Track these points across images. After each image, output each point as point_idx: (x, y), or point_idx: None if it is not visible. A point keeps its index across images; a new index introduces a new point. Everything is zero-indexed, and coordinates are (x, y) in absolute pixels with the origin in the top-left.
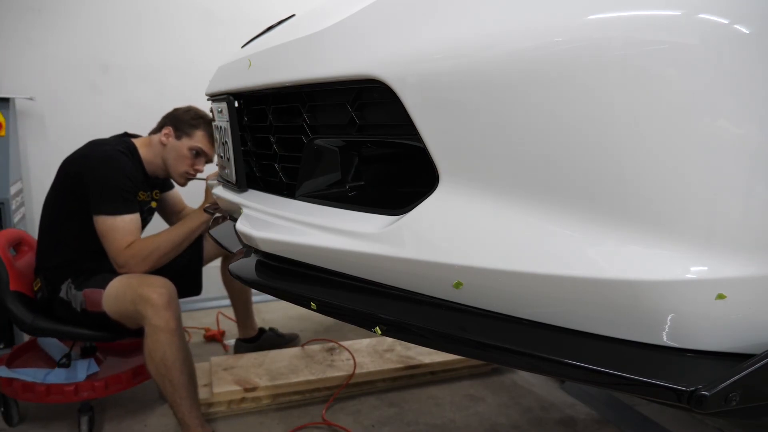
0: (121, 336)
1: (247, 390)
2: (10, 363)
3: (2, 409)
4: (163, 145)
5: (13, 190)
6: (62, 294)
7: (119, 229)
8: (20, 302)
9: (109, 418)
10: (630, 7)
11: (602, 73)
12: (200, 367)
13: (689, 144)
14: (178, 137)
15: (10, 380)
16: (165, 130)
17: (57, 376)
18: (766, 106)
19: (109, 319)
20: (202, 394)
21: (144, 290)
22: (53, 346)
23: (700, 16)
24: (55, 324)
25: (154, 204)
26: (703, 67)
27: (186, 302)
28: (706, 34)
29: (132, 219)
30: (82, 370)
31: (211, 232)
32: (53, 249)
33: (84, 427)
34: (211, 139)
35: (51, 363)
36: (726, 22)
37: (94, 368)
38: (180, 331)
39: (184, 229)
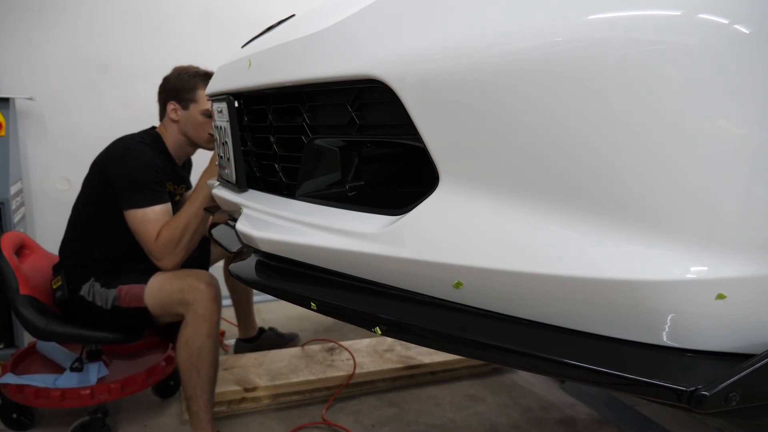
0: (139, 336)
1: (247, 390)
2: (13, 370)
3: (14, 415)
4: (176, 121)
5: (13, 190)
6: (83, 293)
7: (150, 221)
8: (32, 307)
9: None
10: (630, 7)
11: (602, 73)
12: None
13: (689, 144)
14: (185, 107)
15: (21, 387)
16: (170, 107)
17: (69, 380)
18: (766, 106)
19: (140, 316)
20: None
21: (193, 280)
22: (55, 350)
23: (700, 16)
24: (70, 327)
25: (177, 198)
26: (703, 67)
27: None
28: (706, 34)
29: (162, 209)
30: (93, 373)
31: (212, 232)
32: (81, 247)
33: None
34: None
35: (54, 368)
36: (726, 22)
37: (104, 371)
38: (218, 327)
39: (198, 201)
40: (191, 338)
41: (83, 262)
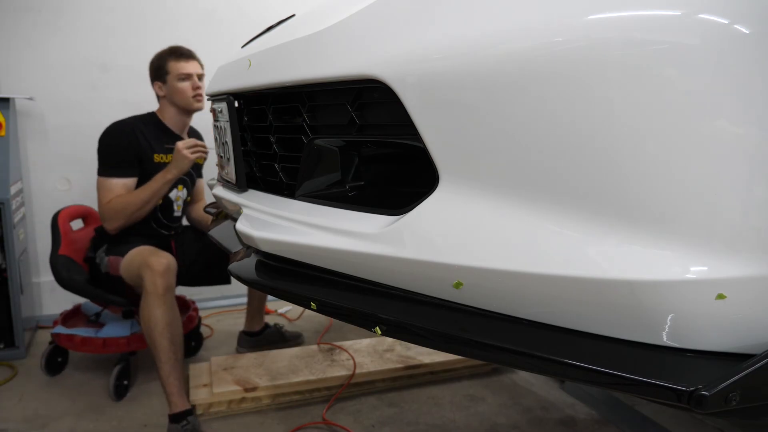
0: (134, 302)
1: (247, 390)
2: (64, 324)
3: (59, 359)
4: (164, 96)
5: (13, 190)
6: (96, 257)
7: (107, 189)
8: (63, 264)
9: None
10: (630, 7)
11: (602, 73)
12: (200, 367)
13: (689, 144)
14: (164, 81)
15: (71, 336)
16: (155, 87)
17: (109, 331)
18: (766, 106)
19: (121, 283)
20: (202, 394)
21: (148, 258)
22: (94, 309)
23: (700, 16)
24: (83, 284)
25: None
26: (703, 67)
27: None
28: (706, 34)
29: (121, 183)
30: (125, 328)
31: (211, 232)
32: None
33: (115, 374)
34: (180, 57)
35: (92, 325)
36: (726, 22)
37: (137, 327)
38: (168, 298)
39: (148, 190)
40: (142, 311)
41: (104, 234)
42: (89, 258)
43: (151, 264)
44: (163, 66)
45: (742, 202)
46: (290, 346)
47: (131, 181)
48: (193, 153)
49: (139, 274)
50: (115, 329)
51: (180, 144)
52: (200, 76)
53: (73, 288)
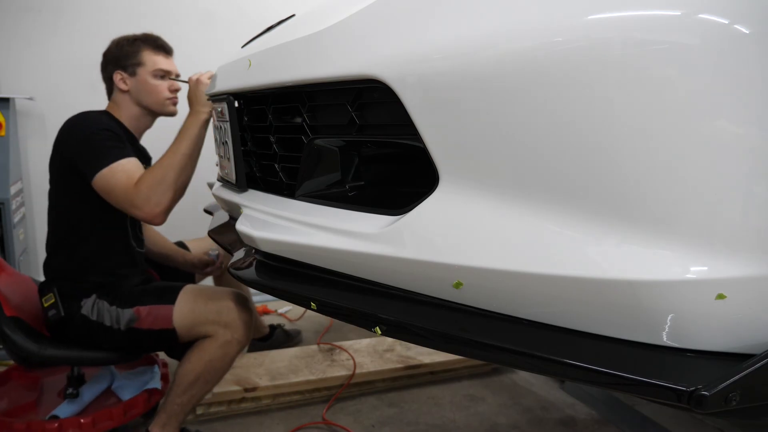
0: (139, 356)
1: (247, 390)
2: None
3: None
4: (126, 91)
5: (13, 190)
6: (86, 311)
7: (119, 172)
8: (20, 329)
9: None
10: (630, 7)
11: (602, 73)
12: None
13: (689, 144)
14: (132, 74)
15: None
16: (116, 77)
17: (65, 411)
18: (766, 106)
19: (164, 337)
20: None
21: (230, 302)
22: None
23: (700, 16)
24: (69, 350)
25: None
26: (704, 67)
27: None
28: (706, 34)
29: (131, 161)
30: (138, 382)
31: (211, 232)
32: (69, 255)
33: None
34: (161, 50)
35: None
36: (726, 22)
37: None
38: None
39: (186, 137)
40: (216, 357)
41: (76, 274)
42: (65, 318)
43: (237, 310)
44: (135, 54)
45: (742, 202)
46: (293, 344)
47: (138, 161)
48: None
49: (218, 320)
50: (126, 389)
51: (194, 76)
52: (176, 76)
53: (57, 361)
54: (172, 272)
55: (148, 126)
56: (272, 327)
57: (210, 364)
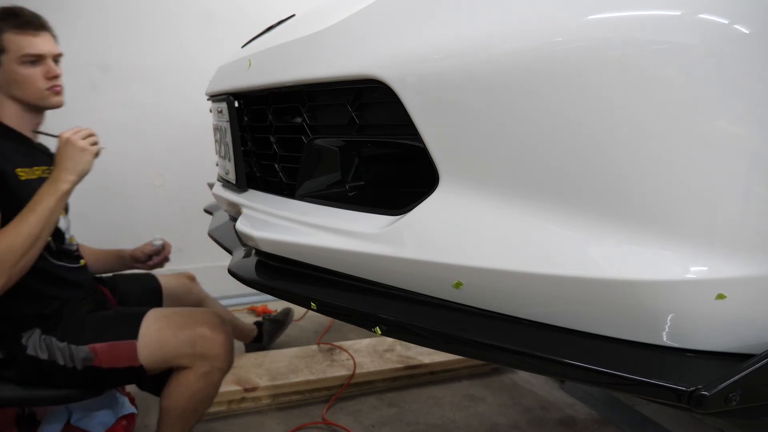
0: (102, 392)
1: (247, 390)
2: None
3: None
4: None
5: None
6: (31, 351)
7: None
8: None
9: None
10: (630, 7)
11: (602, 73)
12: None
13: (689, 144)
14: None
15: None
16: None
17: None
18: (766, 106)
19: (129, 374)
20: None
21: (206, 330)
22: None
23: (700, 16)
24: (22, 390)
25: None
26: (703, 67)
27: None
28: (706, 34)
29: None
30: (106, 414)
31: (210, 232)
32: None
33: None
34: (28, 28)
35: None
36: (726, 22)
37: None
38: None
39: (37, 211)
40: (199, 389)
41: (2, 308)
42: (9, 359)
43: (214, 338)
44: None
45: (742, 202)
46: (287, 325)
47: None
48: (91, 143)
49: (194, 353)
50: (92, 419)
51: (66, 133)
52: (56, 58)
53: (8, 403)
54: (127, 283)
55: (38, 123)
56: (258, 324)
57: (194, 397)
